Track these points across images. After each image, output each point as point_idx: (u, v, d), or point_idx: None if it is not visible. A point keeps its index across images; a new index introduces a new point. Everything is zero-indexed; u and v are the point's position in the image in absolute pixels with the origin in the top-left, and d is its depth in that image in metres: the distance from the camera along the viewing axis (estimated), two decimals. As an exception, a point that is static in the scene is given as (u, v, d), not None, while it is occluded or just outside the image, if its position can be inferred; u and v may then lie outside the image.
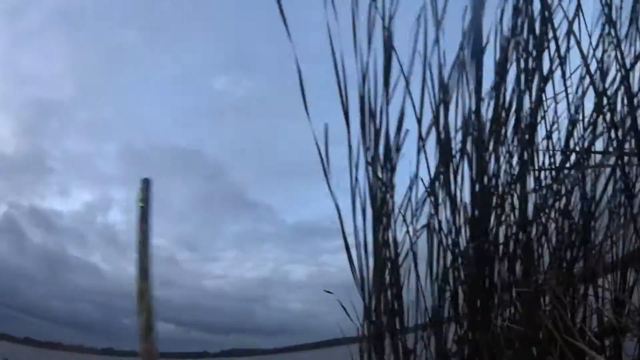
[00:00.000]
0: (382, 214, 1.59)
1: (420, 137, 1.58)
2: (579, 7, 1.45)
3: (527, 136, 1.48)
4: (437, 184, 1.59)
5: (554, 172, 1.46)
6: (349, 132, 1.62)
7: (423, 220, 1.62)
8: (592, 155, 1.42)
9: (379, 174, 1.59)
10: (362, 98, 1.59)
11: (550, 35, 1.47)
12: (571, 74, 1.47)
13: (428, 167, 1.61)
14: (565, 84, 1.46)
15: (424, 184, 1.61)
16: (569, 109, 1.44)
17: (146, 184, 1.04)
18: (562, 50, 1.47)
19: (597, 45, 1.45)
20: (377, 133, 1.60)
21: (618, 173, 1.38)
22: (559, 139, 1.49)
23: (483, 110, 1.55)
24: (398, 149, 1.59)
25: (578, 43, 1.43)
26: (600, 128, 1.42)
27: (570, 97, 1.47)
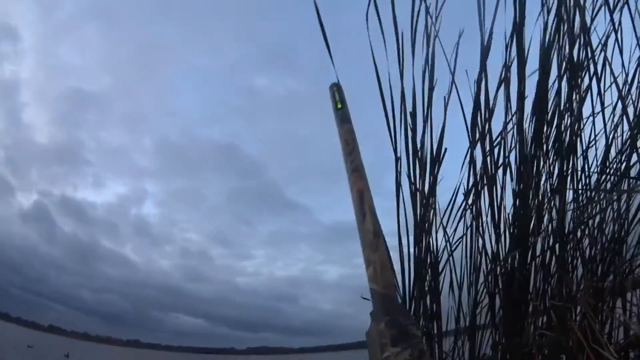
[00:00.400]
0: (423, 221, 1.73)
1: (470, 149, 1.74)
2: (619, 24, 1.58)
3: (564, 153, 1.62)
4: (479, 194, 1.73)
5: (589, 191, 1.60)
6: (395, 146, 1.74)
7: (463, 228, 1.76)
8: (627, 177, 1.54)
9: (419, 185, 1.74)
10: (411, 110, 1.74)
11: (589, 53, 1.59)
12: (603, 90, 1.60)
13: (473, 177, 1.75)
14: (602, 103, 1.59)
15: (463, 195, 1.76)
16: (605, 128, 1.57)
17: (337, 86, 1.12)
18: (599, 67, 1.59)
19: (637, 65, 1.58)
20: (417, 144, 1.75)
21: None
22: (595, 156, 1.63)
23: (525, 125, 1.69)
24: (438, 161, 1.74)
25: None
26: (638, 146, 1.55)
27: (607, 115, 1.60)
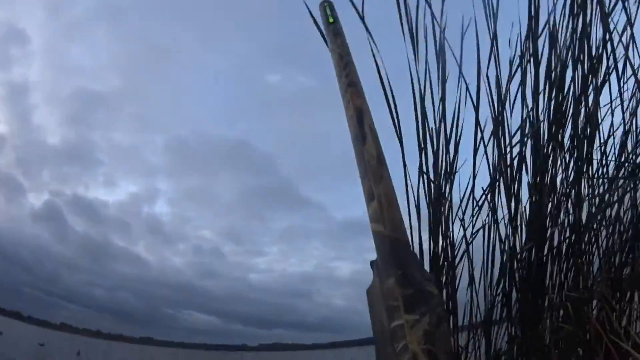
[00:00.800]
0: (438, 215, 1.76)
1: (481, 140, 1.75)
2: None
3: (583, 144, 1.63)
4: (495, 187, 1.74)
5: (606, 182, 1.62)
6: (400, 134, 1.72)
7: (480, 222, 1.77)
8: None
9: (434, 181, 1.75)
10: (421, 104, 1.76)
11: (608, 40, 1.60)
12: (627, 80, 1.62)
13: (488, 169, 1.75)
14: (620, 92, 1.60)
15: (482, 190, 1.78)
16: (623, 118, 1.59)
17: (329, 3, 1.10)
18: (619, 56, 1.61)
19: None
20: (431, 140, 1.75)
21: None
22: (613, 146, 1.64)
23: (541, 115, 1.71)
24: (453, 161, 1.76)
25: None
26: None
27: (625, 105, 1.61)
